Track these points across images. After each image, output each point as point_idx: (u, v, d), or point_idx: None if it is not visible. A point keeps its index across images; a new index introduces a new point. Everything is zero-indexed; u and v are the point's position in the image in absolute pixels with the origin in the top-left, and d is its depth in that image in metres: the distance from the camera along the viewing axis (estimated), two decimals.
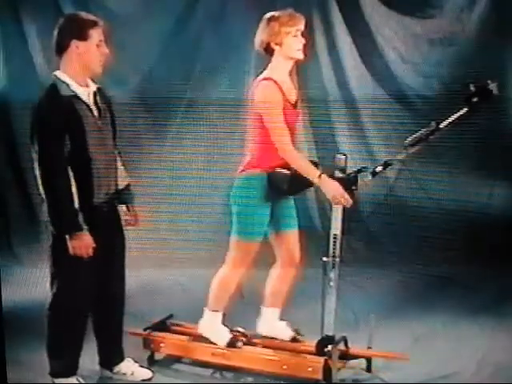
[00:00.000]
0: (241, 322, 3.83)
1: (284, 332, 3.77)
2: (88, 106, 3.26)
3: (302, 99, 3.60)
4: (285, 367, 3.56)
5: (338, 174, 3.41)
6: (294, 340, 3.74)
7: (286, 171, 3.45)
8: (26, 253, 5.19)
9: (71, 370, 3.44)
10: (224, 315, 3.72)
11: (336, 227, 3.46)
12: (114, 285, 3.50)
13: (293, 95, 3.53)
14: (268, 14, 3.49)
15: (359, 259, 4.90)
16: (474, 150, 4.32)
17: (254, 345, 3.74)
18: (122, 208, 3.55)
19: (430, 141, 3.37)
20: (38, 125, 3.17)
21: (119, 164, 3.49)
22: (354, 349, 3.65)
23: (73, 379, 3.43)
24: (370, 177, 3.44)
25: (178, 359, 3.81)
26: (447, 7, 5.04)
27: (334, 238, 3.45)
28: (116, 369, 3.61)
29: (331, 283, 3.47)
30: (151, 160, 4.33)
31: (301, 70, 3.59)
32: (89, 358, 3.55)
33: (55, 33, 3.24)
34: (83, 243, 3.21)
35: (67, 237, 3.20)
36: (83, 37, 3.21)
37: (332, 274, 3.47)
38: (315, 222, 5.26)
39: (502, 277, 4.59)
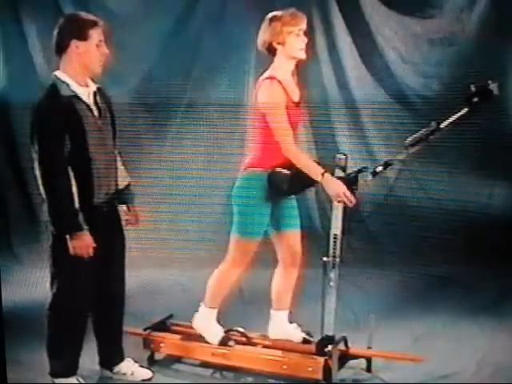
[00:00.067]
0: (241, 322, 3.83)
1: (295, 334, 3.76)
2: (88, 105, 3.26)
3: (304, 99, 3.60)
4: (285, 367, 3.55)
5: (339, 173, 3.42)
6: (305, 342, 3.73)
7: (286, 171, 3.45)
8: (26, 253, 5.19)
9: (71, 369, 3.44)
10: (218, 313, 3.72)
11: (336, 227, 3.46)
12: (114, 285, 3.50)
13: (296, 95, 3.54)
14: (270, 14, 3.50)
15: (359, 259, 4.90)
16: (473, 150, 4.32)
17: (254, 345, 3.74)
18: (123, 208, 3.55)
19: (430, 141, 3.37)
20: (38, 125, 3.17)
21: (119, 164, 3.49)
22: (353, 349, 3.65)
23: (73, 379, 3.43)
24: (370, 177, 3.44)
25: (178, 359, 3.81)
26: (447, 7, 5.04)
27: (334, 238, 3.45)
28: (116, 369, 3.61)
29: (331, 283, 3.47)
30: (151, 160, 4.33)
31: (301, 70, 3.59)
32: (89, 357, 3.55)
33: (55, 33, 3.24)
34: (83, 243, 3.21)
35: (67, 237, 3.20)
36: (83, 37, 3.21)
37: (332, 274, 3.47)
38: (315, 222, 5.26)
39: (502, 277, 4.59)
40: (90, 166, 3.24)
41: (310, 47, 3.57)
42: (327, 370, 3.45)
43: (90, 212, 3.24)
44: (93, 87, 3.31)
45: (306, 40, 3.49)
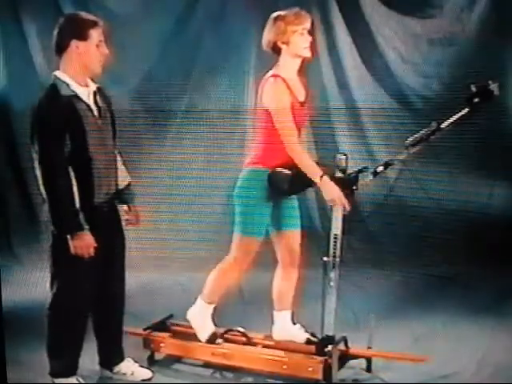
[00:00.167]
0: (241, 322, 3.83)
1: (299, 335, 3.76)
2: (88, 105, 3.26)
3: (310, 99, 3.61)
4: (285, 367, 3.56)
5: (339, 173, 3.42)
6: (309, 342, 3.72)
7: (287, 171, 3.46)
8: (26, 253, 5.19)
9: (71, 369, 3.44)
10: (216, 310, 3.72)
11: (336, 227, 3.46)
12: (113, 285, 3.50)
13: (301, 94, 3.55)
14: (274, 14, 3.51)
15: (359, 259, 4.90)
16: (473, 150, 4.32)
17: (254, 345, 3.74)
18: (123, 208, 3.55)
19: (430, 141, 3.37)
20: (38, 125, 3.17)
21: (119, 164, 3.49)
22: (353, 349, 3.65)
23: (73, 379, 3.43)
24: (370, 177, 3.45)
25: (178, 359, 3.81)
26: (447, 7, 5.04)
27: (335, 238, 3.45)
28: (116, 369, 3.61)
29: (331, 283, 3.47)
30: (151, 160, 4.33)
31: (304, 70, 3.60)
32: (89, 358, 3.55)
33: (55, 33, 3.24)
34: (84, 243, 3.21)
35: (68, 237, 3.20)
36: (83, 37, 3.21)
37: (332, 274, 3.47)
38: (315, 222, 5.26)
39: (502, 277, 4.59)
40: (90, 165, 3.24)
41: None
42: (327, 370, 3.45)
43: (91, 212, 3.24)
44: (93, 87, 3.31)
45: (310, 39, 3.50)
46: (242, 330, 3.77)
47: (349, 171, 3.43)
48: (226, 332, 3.74)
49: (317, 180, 3.41)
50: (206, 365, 3.72)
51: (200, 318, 3.71)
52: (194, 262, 4.44)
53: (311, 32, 3.52)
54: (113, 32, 3.36)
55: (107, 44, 3.28)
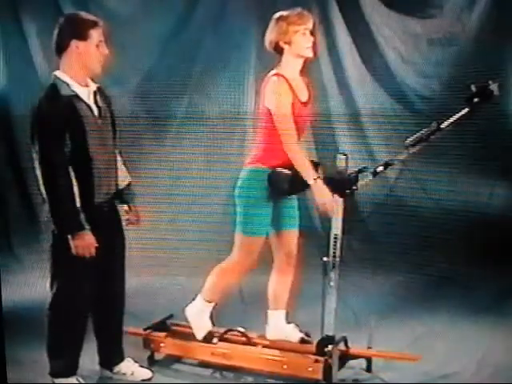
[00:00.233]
0: (241, 322, 3.83)
1: (292, 334, 3.76)
2: (88, 105, 3.26)
3: (313, 99, 3.61)
4: (285, 367, 3.56)
5: (339, 173, 3.42)
6: (302, 341, 3.73)
7: (287, 171, 3.46)
8: (26, 253, 5.19)
9: (71, 369, 3.44)
10: (215, 310, 3.73)
11: (336, 227, 3.46)
12: (114, 285, 3.50)
13: (304, 95, 3.56)
14: (277, 14, 3.52)
15: (359, 259, 4.90)
16: (474, 150, 4.31)
17: (254, 345, 3.74)
18: (123, 207, 3.55)
19: (430, 141, 3.37)
20: (38, 125, 3.17)
21: (119, 164, 3.49)
22: (353, 349, 3.65)
23: (73, 379, 3.43)
24: (370, 177, 3.45)
25: (178, 359, 3.81)
26: (447, 7, 5.04)
27: (335, 238, 3.45)
28: (116, 369, 3.61)
29: (331, 283, 3.47)
30: (151, 160, 4.33)
31: (304, 70, 3.60)
32: (89, 358, 3.55)
33: (55, 33, 3.24)
34: (85, 243, 3.21)
35: (69, 237, 3.20)
36: (83, 37, 3.21)
37: (332, 274, 3.47)
38: (315, 222, 5.25)
39: (502, 277, 4.58)
40: (90, 165, 3.24)
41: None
42: (327, 370, 3.45)
43: (91, 212, 3.24)
44: (93, 87, 3.31)
45: (312, 39, 3.51)
46: (241, 329, 3.77)
47: (349, 171, 3.43)
48: (225, 332, 3.74)
49: (310, 182, 3.42)
50: (206, 365, 3.72)
51: (198, 316, 3.72)
52: (194, 261, 4.44)
53: (313, 32, 3.52)
54: (113, 32, 3.35)
55: (107, 44, 3.28)
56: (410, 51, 5.15)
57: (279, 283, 3.74)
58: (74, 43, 3.21)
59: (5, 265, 4.57)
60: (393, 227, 4.76)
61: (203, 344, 3.71)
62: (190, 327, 3.79)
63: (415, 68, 5.14)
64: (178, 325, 3.89)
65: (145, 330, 3.80)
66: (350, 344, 3.64)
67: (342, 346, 3.60)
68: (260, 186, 3.51)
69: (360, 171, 3.46)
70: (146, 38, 5.23)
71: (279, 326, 3.78)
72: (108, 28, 3.31)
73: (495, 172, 4.85)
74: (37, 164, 3.18)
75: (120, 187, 3.49)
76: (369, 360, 3.64)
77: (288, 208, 3.66)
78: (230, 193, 3.69)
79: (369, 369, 3.65)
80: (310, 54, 3.52)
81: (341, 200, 3.44)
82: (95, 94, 3.32)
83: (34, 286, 4.17)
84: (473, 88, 3.31)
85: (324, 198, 3.42)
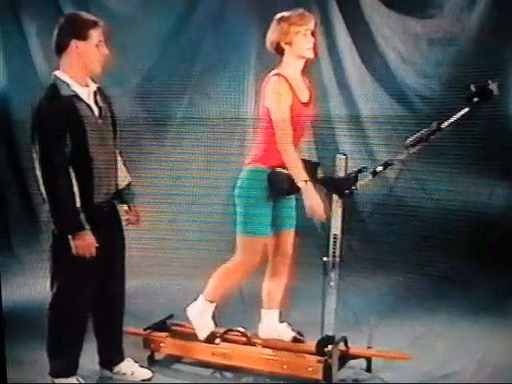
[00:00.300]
0: (241, 322, 3.83)
1: (285, 333, 3.77)
2: (88, 105, 3.26)
3: (314, 100, 3.61)
4: (285, 367, 3.56)
5: (338, 173, 3.42)
6: (295, 340, 3.74)
7: (286, 171, 3.46)
8: (26, 253, 5.19)
9: (71, 369, 3.44)
10: (216, 309, 3.72)
11: (336, 227, 3.46)
12: (114, 285, 3.50)
13: (304, 95, 3.56)
14: (278, 15, 3.53)
15: (359, 259, 4.90)
16: (473, 150, 4.31)
17: (254, 345, 3.74)
18: (123, 207, 3.55)
19: (430, 141, 3.37)
20: (38, 125, 3.17)
21: (120, 164, 3.49)
22: (353, 349, 3.65)
23: (73, 379, 3.43)
24: (370, 177, 3.45)
25: (178, 359, 3.81)
26: (447, 7, 5.04)
27: (334, 238, 3.45)
28: (116, 369, 3.61)
29: (331, 283, 3.47)
30: (151, 160, 4.33)
31: (305, 71, 3.60)
32: (89, 358, 3.55)
33: (55, 32, 3.24)
34: (86, 243, 3.21)
35: (69, 237, 3.20)
36: (83, 37, 3.21)
37: (332, 274, 3.47)
38: (315, 222, 5.25)
39: (502, 277, 4.59)
40: (90, 165, 3.24)
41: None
42: (327, 370, 3.45)
43: (91, 212, 3.24)
44: (93, 87, 3.31)
45: (313, 40, 3.51)
46: (241, 329, 3.77)
47: (349, 171, 3.43)
48: (225, 332, 3.74)
49: (301, 184, 3.41)
50: (206, 365, 3.72)
51: (200, 316, 3.72)
52: (194, 261, 4.44)
53: (314, 33, 3.53)
54: (113, 32, 3.35)
55: (107, 44, 3.28)
56: (409, 51, 5.15)
57: (274, 283, 3.75)
58: (73, 43, 3.21)
59: (5, 265, 4.57)
60: (393, 227, 4.76)
61: (203, 344, 3.71)
62: (189, 327, 3.79)
63: (415, 68, 5.14)
64: (178, 325, 3.90)
65: (145, 330, 3.80)
66: (349, 344, 3.64)
67: (342, 346, 3.60)
68: (260, 186, 3.51)
69: (360, 171, 3.46)
70: (146, 38, 5.24)
71: (272, 325, 3.79)
72: (108, 28, 3.31)
73: (495, 172, 4.85)
74: (37, 164, 3.18)
75: (120, 187, 3.49)
76: (369, 360, 3.65)
77: (286, 208, 3.67)
78: (230, 193, 3.69)
79: (369, 369, 3.65)
80: (311, 55, 3.53)
81: (340, 200, 3.44)
82: (95, 94, 3.32)
83: (33, 286, 4.17)
84: (472, 88, 3.31)
85: (312, 201, 3.43)
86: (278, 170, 3.47)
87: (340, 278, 3.47)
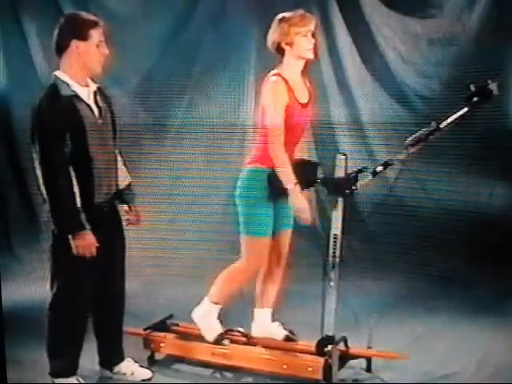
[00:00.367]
0: (241, 322, 3.83)
1: (277, 332, 3.77)
2: (88, 105, 3.26)
3: (314, 101, 3.61)
4: (285, 367, 3.56)
5: (338, 173, 3.42)
6: (287, 339, 3.74)
7: None
8: (26, 253, 5.19)
9: (71, 369, 3.43)
10: (222, 310, 3.72)
11: (336, 227, 3.46)
12: (114, 285, 3.50)
13: (303, 96, 3.56)
14: (279, 15, 3.53)
15: (359, 259, 4.90)
16: (473, 150, 4.32)
17: (254, 345, 3.74)
18: (124, 208, 3.55)
19: (430, 141, 3.37)
20: (38, 125, 3.17)
21: (120, 164, 3.49)
22: (353, 349, 3.65)
23: (73, 379, 3.43)
24: (370, 177, 3.45)
25: (178, 359, 3.81)
26: (447, 7, 5.04)
27: (334, 238, 3.45)
28: (116, 369, 3.61)
29: (331, 283, 3.47)
30: (151, 160, 4.33)
31: (305, 71, 3.60)
32: (89, 358, 3.55)
33: (55, 33, 3.24)
34: (86, 243, 3.21)
35: (70, 237, 3.20)
36: (83, 37, 3.21)
37: (332, 274, 3.47)
38: (315, 222, 5.26)
39: (502, 277, 4.59)
40: (90, 165, 3.24)
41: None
42: (327, 370, 3.45)
43: (91, 212, 3.24)
44: (93, 87, 3.31)
45: (313, 41, 3.51)
46: (241, 330, 3.77)
47: (349, 171, 3.43)
48: (226, 332, 3.74)
49: (289, 186, 3.42)
50: (206, 365, 3.72)
51: (206, 319, 3.70)
52: (194, 262, 4.44)
53: (315, 34, 3.53)
54: (113, 32, 3.35)
55: (107, 44, 3.28)
56: (410, 51, 5.16)
57: (268, 282, 3.75)
58: (74, 43, 3.21)
59: (5, 265, 4.57)
60: (393, 227, 4.76)
61: (203, 344, 3.70)
62: (190, 327, 3.79)
63: (415, 68, 5.14)
64: (177, 325, 3.89)
65: (145, 330, 3.80)
66: (349, 344, 3.64)
67: (342, 346, 3.60)
68: (260, 186, 3.51)
69: (360, 171, 3.46)
70: (146, 38, 5.24)
71: (265, 324, 3.79)
72: (108, 28, 3.31)
73: (495, 172, 4.85)
74: (37, 164, 3.18)
75: (120, 187, 3.48)
76: (369, 360, 3.64)
77: (285, 208, 3.66)
78: (230, 193, 3.69)
79: (369, 369, 3.65)
80: (311, 56, 3.53)
81: (341, 200, 3.45)
82: (95, 94, 3.32)
83: (34, 286, 4.17)
84: (472, 88, 3.31)
85: (299, 204, 3.44)
86: (278, 170, 3.47)
87: (340, 278, 3.47)
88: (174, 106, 4.83)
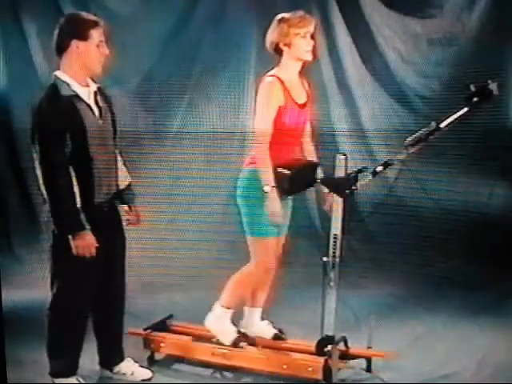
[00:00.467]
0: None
1: (266, 331, 3.78)
2: (89, 105, 3.26)
3: (312, 101, 3.61)
4: (285, 367, 3.56)
5: (338, 173, 3.42)
6: (276, 338, 3.75)
7: (286, 171, 3.46)
8: (26, 253, 5.19)
9: (71, 369, 3.44)
10: (234, 314, 3.73)
11: (336, 227, 3.46)
12: (114, 285, 3.50)
13: (301, 97, 3.55)
14: (279, 16, 3.52)
15: (359, 259, 4.90)
16: (473, 150, 4.32)
17: (255, 345, 3.74)
18: (124, 208, 3.55)
19: (430, 141, 3.37)
20: (38, 125, 3.17)
21: (120, 164, 3.49)
22: (353, 349, 3.65)
23: (73, 379, 3.43)
24: (370, 177, 3.45)
25: (178, 359, 3.81)
26: (447, 7, 5.04)
27: (334, 238, 3.45)
28: (116, 369, 3.61)
29: (331, 283, 3.47)
30: (151, 160, 4.33)
31: (303, 72, 3.60)
32: (89, 358, 3.55)
33: (56, 33, 3.24)
34: (86, 243, 3.21)
35: (70, 237, 3.20)
36: (84, 37, 3.21)
37: (332, 274, 3.47)
38: (315, 222, 5.26)
39: (502, 277, 4.59)
40: (90, 165, 3.24)
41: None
42: (327, 370, 3.45)
43: (91, 212, 3.24)
44: (93, 87, 3.31)
45: (312, 42, 3.50)
46: (242, 330, 3.76)
47: (349, 171, 3.43)
48: (242, 334, 3.73)
49: (266, 189, 3.42)
50: (206, 365, 3.72)
51: (219, 323, 3.69)
52: (194, 262, 4.44)
53: (314, 36, 3.52)
54: (113, 32, 3.36)
55: (107, 44, 3.28)
56: (409, 51, 5.15)
57: (260, 282, 3.74)
58: (74, 43, 3.21)
59: (5, 265, 4.56)
60: (393, 227, 4.76)
61: (203, 344, 3.71)
62: (190, 327, 3.79)
63: (415, 68, 5.14)
64: (177, 325, 3.89)
65: (145, 330, 3.80)
66: (349, 344, 3.64)
67: (342, 346, 3.60)
68: (260, 187, 3.51)
69: (360, 171, 3.46)
70: (146, 38, 5.23)
71: (254, 323, 3.80)
72: (108, 28, 3.31)
73: (495, 172, 4.85)
74: (37, 164, 3.18)
75: (120, 187, 3.49)
76: (369, 360, 3.64)
77: (284, 208, 3.66)
78: (230, 193, 3.69)
79: (369, 369, 3.65)
80: (309, 58, 3.52)
81: (341, 200, 3.45)
82: (95, 94, 3.32)
83: (33, 286, 4.17)
84: (472, 88, 3.31)
85: (274, 207, 3.44)
86: (278, 169, 3.47)
87: (340, 278, 3.47)
88: (174, 106, 4.83)
